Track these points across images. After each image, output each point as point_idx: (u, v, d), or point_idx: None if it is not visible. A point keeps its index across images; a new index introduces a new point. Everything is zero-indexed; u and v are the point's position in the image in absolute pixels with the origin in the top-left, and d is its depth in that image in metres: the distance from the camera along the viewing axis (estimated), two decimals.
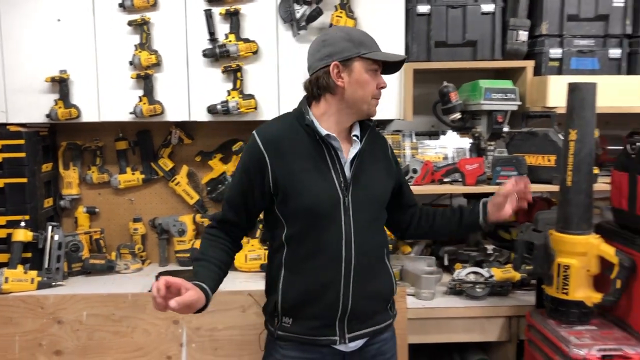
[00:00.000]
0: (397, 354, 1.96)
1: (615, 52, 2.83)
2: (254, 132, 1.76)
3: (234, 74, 2.71)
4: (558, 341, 2.03)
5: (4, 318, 2.38)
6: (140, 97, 2.72)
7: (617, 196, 2.15)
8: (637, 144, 2.01)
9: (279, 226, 1.76)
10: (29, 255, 2.70)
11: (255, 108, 2.72)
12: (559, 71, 2.79)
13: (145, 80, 2.71)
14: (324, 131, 1.72)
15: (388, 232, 2.00)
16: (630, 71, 2.85)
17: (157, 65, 2.72)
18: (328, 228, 1.71)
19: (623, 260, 1.96)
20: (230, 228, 1.80)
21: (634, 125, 3.07)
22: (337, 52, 1.70)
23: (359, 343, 1.80)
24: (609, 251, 1.98)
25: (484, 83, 2.66)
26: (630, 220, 2.08)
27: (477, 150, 2.79)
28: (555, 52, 2.79)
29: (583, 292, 2.04)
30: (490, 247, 2.76)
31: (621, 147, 2.20)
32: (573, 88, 2.05)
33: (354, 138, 1.77)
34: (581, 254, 2.01)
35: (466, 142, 2.84)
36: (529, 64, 2.80)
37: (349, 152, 1.77)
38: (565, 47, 2.79)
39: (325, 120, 1.75)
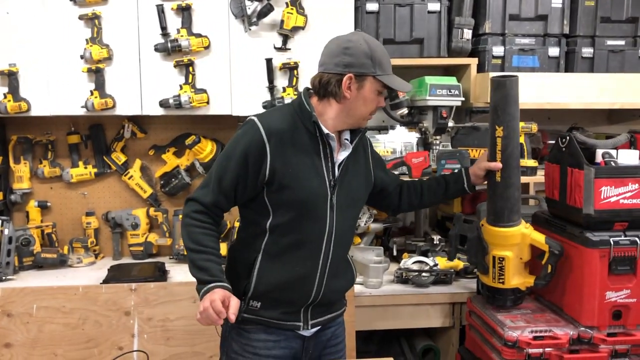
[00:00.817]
0: (345, 338, 2.09)
1: (554, 51, 2.97)
2: (254, 119, 1.77)
3: (186, 68, 2.74)
4: (495, 324, 2.14)
5: None
6: (91, 91, 2.73)
7: (550, 187, 2.27)
8: (567, 137, 2.13)
9: (263, 213, 1.79)
10: None
11: (208, 102, 2.76)
12: (502, 68, 2.91)
13: (96, 74, 2.71)
14: (326, 130, 1.78)
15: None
16: (568, 69, 3.00)
17: (109, 59, 2.73)
18: (314, 222, 1.79)
19: (553, 247, 2.07)
20: (217, 213, 1.80)
21: (573, 121, 3.23)
22: (355, 65, 1.74)
23: (317, 328, 1.92)
24: (540, 239, 2.10)
25: (430, 80, 2.76)
26: (561, 209, 2.20)
27: (424, 144, 2.90)
28: (498, 50, 2.91)
29: (518, 279, 2.15)
30: (436, 238, 2.87)
31: None
32: (496, 85, 2.07)
33: (346, 141, 1.84)
34: (514, 245, 2.12)
35: (414, 137, 2.94)
36: (473, 62, 2.92)
37: (340, 153, 1.84)
38: (507, 46, 2.92)
39: (323, 120, 1.80)
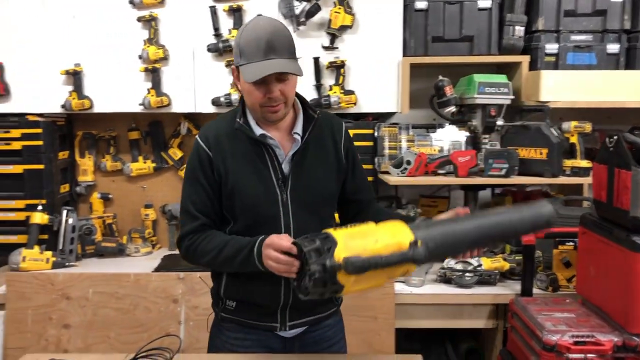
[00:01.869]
0: (345, 338, 1.95)
1: (613, 47, 2.85)
2: (196, 136, 1.76)
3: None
4: (534, 327, 2.10)
5: (18, 293, 2.57)
6: (148, 90, 2.88)
7: (598, 188, 2.19)
8: (615, 137, 2.05)
9: (225, 220, 1.76)
10: (45, 237, 2.88)
11: None
12: (555, 66, 2.83)
13: (153, 73, 2.86)
14: (258, 131, 1.71)
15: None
16: (629, 66, 2.87)
17: (165, 59, 2.87)
18: (267, 225, 1.69)
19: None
20: (206, 229, 1.74)
21: (635, 121, 3.09)
22: (235, 56, 1.68)
23: (299, 330, 1.82)
24: None
25: (478, 77, 2.72)
26: (608, 211, 2.13)
27: (473, 143, 2.86)
28: (552, 47, 2.83)
29: None
30: None
31: None
32: None
33: (295, 136, 1.74)
34: None
35: (462, 136, 2.91)
36: (525, 59, 2.85)
37: (292, 148, 1.74)
38: (562, 43, 2.83)
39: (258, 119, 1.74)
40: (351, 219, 1.88)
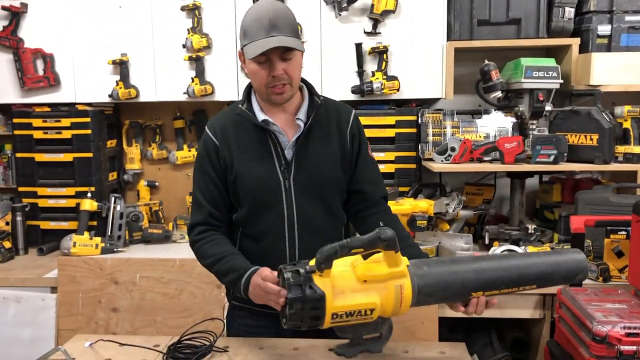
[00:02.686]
0: None
1: None
2: (205, 127, 1.80)
3: None
4: (584, 318, 2.03)
5: (69, 277, 2.65)
6: (192, 78, 2.91)
7: None
8: None
9: (232, 208, 1.80)
10: (94, 223, 2.97)
11: None
12: (608, 48, 2.72)
13: (197, 62, 2.89)
14: (261, 117, 1.73)
15: None
16: None
17: (208, 47, 2.89)
18: (271, 211, 1.73)
19: None
20: (217, 224, 1.78)
21: None
22: (240, 39, 1.71)
23: None
24: None
25: (525, 61, 2.64)
26: None
27: (520, 129, 2.79)
28: (604, 28, 2.72)
29: None
30: (531, 227, 2.75)
31: None
32: None
33: (298, 122, 1.74)
34: None
35: (509, 121, 2.84)
36: (575, 42, 2.75)
37: (295, 134, 1.74)
38: (615, 24, 2.72)
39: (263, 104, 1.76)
40: (356, 213, 1.86)
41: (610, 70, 2.64)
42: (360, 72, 2.82)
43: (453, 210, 2.74)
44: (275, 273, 1.50)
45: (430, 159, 2.78)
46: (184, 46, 2.89)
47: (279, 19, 1.62)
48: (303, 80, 1.79)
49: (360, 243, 1.36)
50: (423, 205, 2.67)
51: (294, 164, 1.73)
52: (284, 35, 1.61)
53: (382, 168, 2.88)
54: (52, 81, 2.97)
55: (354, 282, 1.40)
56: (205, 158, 1.76)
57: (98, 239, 2.83)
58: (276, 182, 1.72)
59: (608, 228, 2.44)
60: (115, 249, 2.86)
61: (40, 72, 2.98)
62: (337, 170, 1.78)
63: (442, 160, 2.71)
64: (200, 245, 1.76)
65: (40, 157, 3.03)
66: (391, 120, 2.89)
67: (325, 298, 1.34)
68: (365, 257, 1.43)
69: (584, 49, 2.75)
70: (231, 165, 1.73)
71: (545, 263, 1.55)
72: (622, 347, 1.90)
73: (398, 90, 2.83)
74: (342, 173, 1.79)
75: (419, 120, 2.86)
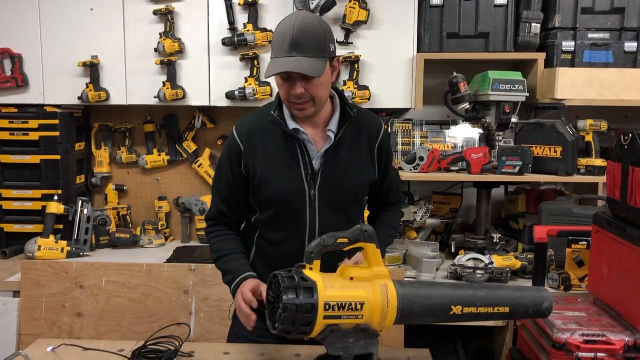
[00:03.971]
0: None
1: (631, 46, 2.82)
2: (233, 127, 1.81)
3: (252, 62, 2.85)
4: (544, 325, 2.08)
5: (33, 281, 2.61)
6: (164, 83, 2.90)
7: (612, 186, 2.16)
8: (630, 135, 2.03)
9: (252, 210, 1.82)
10: (60, 227, 2.93)
11: (271, 95, 2.86)
12: (572, 64, 2.80)
13: (168, 66, 2.88)
14: (292, 125, 1.72)
15: None
16: None
17: (180, 52, 2.89)
18: (293, 218, 1.74)
19: None
20: (227, 220, 1.83)
21: None
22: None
23: None
24: None
25: (493, 74, 2.71)
26: (622, 210, 2.10)
27: (487, 140, 2.85)
28: (568, 45, 2.81)
29: None
30: (496, 236, 2.81)
31: None
32: None
33: (329, 133, 1.74)
34: None
35: (476, 133, 2.90)
36: (541, 57, 2.83)
37: (325, 145, 1.74)
38: (579, 40, 2.81)
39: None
40: (373, 216, 1.97)
41: (574, 85, 2.72)
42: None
43: (421, 219, 2.78)
44: (263, 289, 1.55)
45: (400, 168, 2.82)
46: (156, 50, 2.88)
47: (304, 38, 1.59)
48: (335, 89, 1.78)
49: (345, 234, 1.44)
50: None
51: (320, 174, 1.73)
52: (305, 56, 1.59)
53: None
54: (20, 82, 2.92)
55: (342, 280, 1.44)
56: (227, 159, 1.78)
57: (64, 243, 2.80)
58: (301, 191, 1.73)
59: (570, 238, 2.50)
60: (82, 253, 2.82)
61: (8, 73, 2.94)
62: (363, 183, 1.81)
63: (410, 170, 2.75)
64: (210, 239, 1.83)
65: (6, 158, 2.98)
66: None
67: (317, 287, 1.36)
68: (349, 254, 1.53)
69: (549, 63, 2.83)
70: (254, 170, 1.73)
71: (514, 289, 1.64)
72: (581, 354, 1.95)
73: (369, 99, 2.87)
74: (367, 185, 1.83)
75: (389, 130, 2.90)
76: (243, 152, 1.75)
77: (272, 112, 1.74)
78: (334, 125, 1.75)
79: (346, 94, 2.79)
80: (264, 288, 1.58)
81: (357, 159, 1.78)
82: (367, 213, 2.03)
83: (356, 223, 1.79)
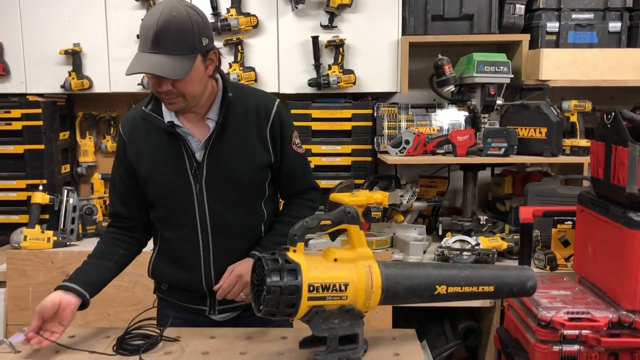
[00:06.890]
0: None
1: (615, 26, 2.83)
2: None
3: (235, 47, 2.83)
4: (530, 304, 2.10)
5: (19, 271, 2.59)
6: None
7: (595, 165, 2.18)
8: (612, 114, 2.04)
9: (151, 205, 1.75)
10: (46, 216, 2.91)
11: (255, 80, 2.84)
12: (556, 44, 2.81)
13: None
14: (167, 118, 1.62)
15: None
16: (631, 44, 2.85)
17: None
18: (182, 214, 1.67)
19: None
20: (120, 223, 1.78)
21: (637, 100, 3.07)
22: None
23: (231, 314, 1.81)
24: None
25: (477, 56, 2.70)
26: (605, 188, 2.12)
27: (472, 123, 2.85)
28: (553, 25, 2.81)
29: None
30: (483, 218, 2.82)
31: None
32: None
33: (208, 122, 1.64)
34: None
35: (461, 115, 2.90)
36: (525, 38, 2.84)
37: (206, 135, 1.64)
38: (563, 21, 2.81)
39: None
40: (283, 207, 1.86)
41: (558, 66, 2.73)
42: (317, 66, 2.84)
43: (407, 202, 2.78)
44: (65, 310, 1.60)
45: (386, 152, 2.82)
46: (138, 36, 2.83)
47: (167, 34, 1.46)
48: (219, 71, 1.65)
49: (327, 216, 1.43)
50: (378, 196, 2.70)
51: (205, 166, 1.64)
52: (169, 53, 1.46)
53: (338, 161, 2.92)
54: (0, 71, 2.89)
55: (325, 261, 1.45)
56: (117, 153, 1.73)
57: (50, 233, 2.78)
58: (187, 186, 1.65)
59: (555, 218, 2.52)
60: (68, 243, 2.81)
61: None
62: (254, 169, 1.69)
63: (396, 153, 2.75)
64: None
65: None
66: (347, 113, 2.92)
67: (301, 268, 1.36)
68: (332, 236, 1.49)
69: (533, 45, 2.83)
70: (138, 162, 1.66)
71: (498, 268, 1.64)
72: (565, 332, 1.98)
73: (354, 83, 2.86)
74: (261, 171, 1.70)
75: (375, 114, 2.90)
76: (127, 144, 1.68)
77: (143, 108, 1.64)
78: (213, 113, 1.64)
79: (331, 79, 2.81)
80: (67, 310, 1.62)
81: (244, 144, 1.66)
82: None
83: (259, 214, 1.75)
